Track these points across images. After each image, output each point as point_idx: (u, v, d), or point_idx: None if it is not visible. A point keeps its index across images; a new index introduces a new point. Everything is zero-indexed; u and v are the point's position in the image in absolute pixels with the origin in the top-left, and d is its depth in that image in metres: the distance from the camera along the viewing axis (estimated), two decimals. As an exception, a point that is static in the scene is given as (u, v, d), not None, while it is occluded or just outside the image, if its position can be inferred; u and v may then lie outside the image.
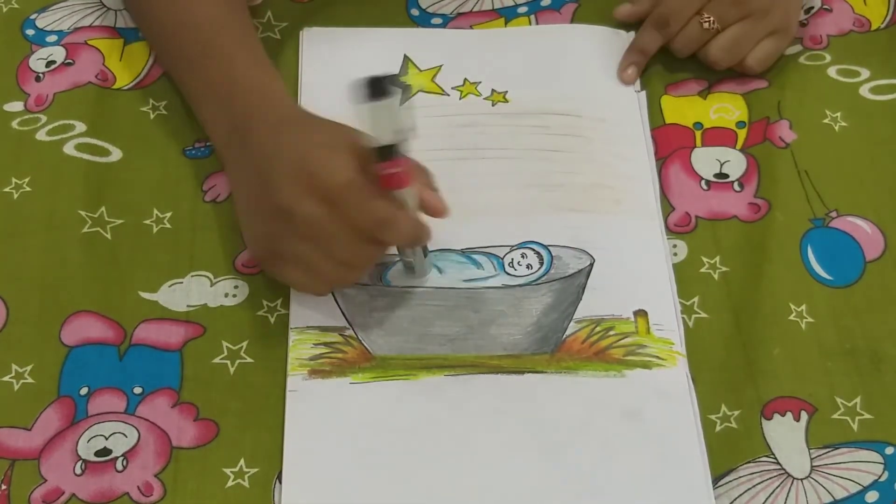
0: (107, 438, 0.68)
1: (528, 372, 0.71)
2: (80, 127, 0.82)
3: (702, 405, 0.70)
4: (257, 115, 0.73)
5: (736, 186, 0.81)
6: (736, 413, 0.70)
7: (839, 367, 0.72)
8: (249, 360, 0.72)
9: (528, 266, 0.75)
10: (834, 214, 0.79)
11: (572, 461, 0.68)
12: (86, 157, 0.81)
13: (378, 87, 0.62)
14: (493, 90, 0.84)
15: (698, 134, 0.83)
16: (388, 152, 0.65)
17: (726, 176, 0.81)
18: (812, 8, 0.90)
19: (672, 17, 0.84)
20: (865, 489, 0.67)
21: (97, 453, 0.68)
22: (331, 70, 0.84)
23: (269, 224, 0.69)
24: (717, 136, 0.83)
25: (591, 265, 0.75)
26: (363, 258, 0.70)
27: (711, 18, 0.83)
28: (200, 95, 0.78)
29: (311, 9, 0.90)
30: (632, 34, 0.88)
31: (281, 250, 0.69)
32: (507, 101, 0.84)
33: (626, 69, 0.85)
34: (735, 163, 0.82)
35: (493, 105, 0.83)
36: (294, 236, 0.68)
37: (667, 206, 0.79)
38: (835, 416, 0.70)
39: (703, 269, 0.76)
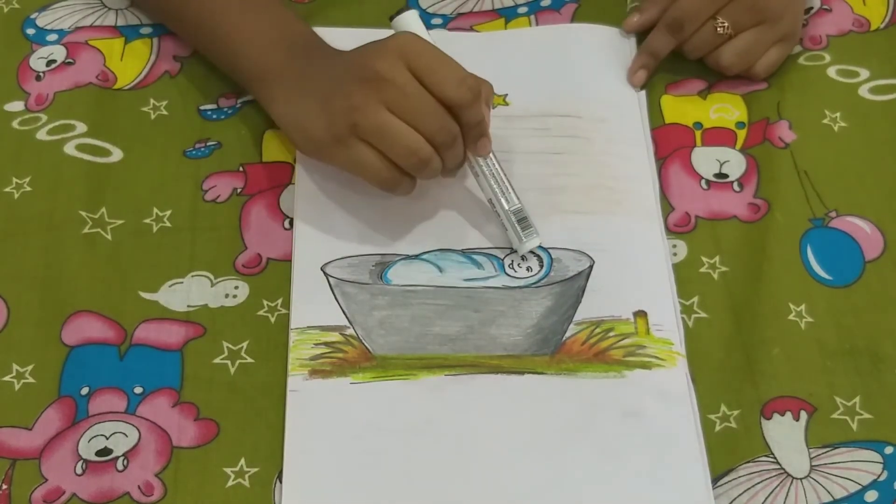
0: (107, 438, 0.68)
1: (528, 373, 0.71)
2: (81, 127, 0.82)
3: (701, 405, 0.70)
4: (318, 46, 0.77)
5: (735, 186, 0.81)
6: (735, 413, 0.70)
7: (838, 367, 0.72)
8: (250, 360, 0.72)
9: (528, 269, 0.75)
10: (833, 214, 0.79)
11: (572, 461, 0.68)
12: (86, 157, 0.81)
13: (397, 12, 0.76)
14: (493, 93, 0.84)
15: (698, 134, 0.84)
16: None
17: (726, 176, 0.81)
18: (811, 8, 0.91)
19: (686, 20, 0.84)
20: (865, 489, 0.68)
21: (98, 453, 0.68)
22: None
23: (355, 96, 0.71)
24: (717, 136, 0.83)
25: (591, 267, 0.75)
26: (445, 133, 0.71)
27: (726, 24, 0.83)
28: (243, 41, 0.79)
29: (311, 9, 0.90)
30: (632, 34, 0.88)
31: (364, 124, 0.71)
32: (507, 104, 0.84)
33: (637, 72, 0.85)
34: (735, 163, 0.82)
35: (493, 108, 0.83)
36: (381, 104, 0.70)
37: (666, 206, 0.80)
38: (834, 415, 0.70)
39: (702, 269, 0.76)
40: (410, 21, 0.76)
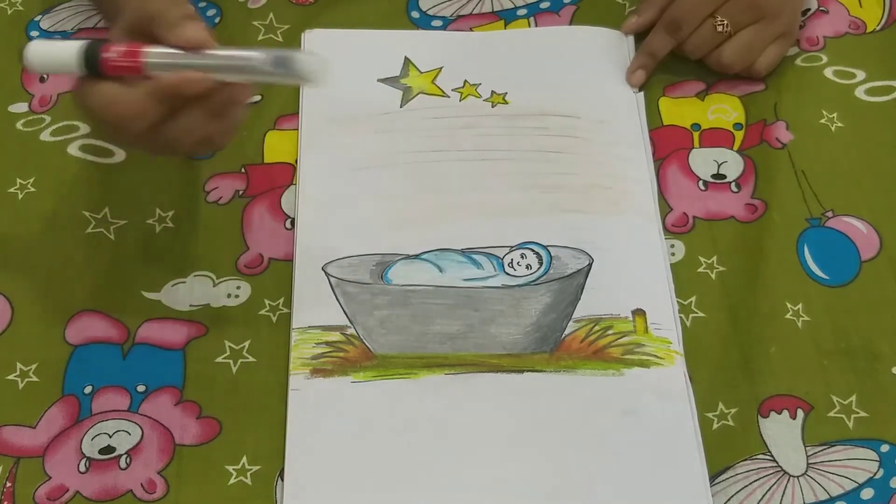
0: (110, 436, 0.69)
1: (528, 371, 0.71)
2: (84, 128, 0.83)
3: (699, 403, 0.70)
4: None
5: (733, 187, 0.81)
6: (733, 411, 0.71)
7: (835, 366, 0.73)
8: (252, 359, 0.72)
9: (528, 266, 0.76)
10: (830, 214, 0.80)
11: (571, 459, 0.68)
12: (89, 157, 0.81)
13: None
14: (492, 92, 0.85)
15: (696, 135, 0.84)
16: (85, 64, 0.65)
17: (724, 177, 0.82)
18: (808, 10, 0.91)
19: (684, 20, 0.84)
20: (861, 486, 0.68)
21: (101, 451, 0.68)
22: (332, 72, 0.85)
23: None
24: (715, 138, 0.84)
25: (590, 265, 0.75)
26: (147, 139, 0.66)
27: (725, 22, 0.83)
28: None
29: (312, 11, 0.91)
30: (630, 37, 0.89)
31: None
32: (506, 102, 0.84)
33: (635, 72, 0.85)
34: (732, 164, 0.82)
35: (492, 107, 0.84)
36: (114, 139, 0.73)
37: (665, 206, 0.80)
38: (830, 413, 0.71)
39: (700, 269, 0.77)
40: (34, 54, 0.66)
